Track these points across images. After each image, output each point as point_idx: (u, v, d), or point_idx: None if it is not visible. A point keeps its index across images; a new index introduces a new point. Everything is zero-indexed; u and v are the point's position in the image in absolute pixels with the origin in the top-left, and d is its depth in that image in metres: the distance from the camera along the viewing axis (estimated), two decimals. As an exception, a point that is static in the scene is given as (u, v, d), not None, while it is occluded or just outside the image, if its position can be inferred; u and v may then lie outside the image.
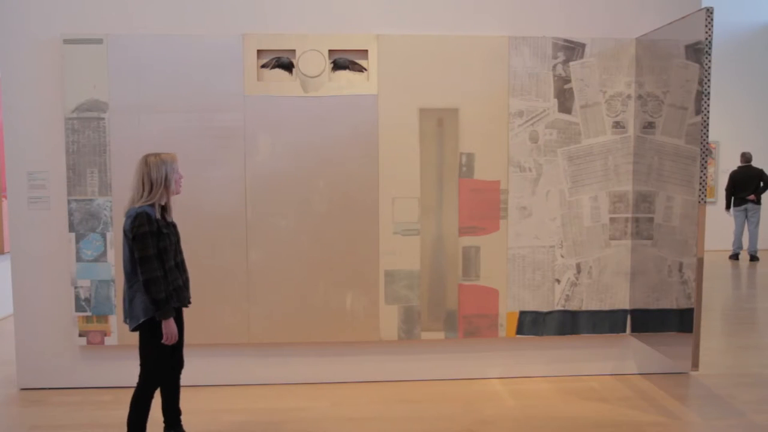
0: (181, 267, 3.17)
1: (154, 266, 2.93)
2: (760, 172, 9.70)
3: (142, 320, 2.99)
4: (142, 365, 3.10)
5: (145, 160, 3.03)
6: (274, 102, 4.12)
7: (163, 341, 3.02)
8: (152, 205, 3.00)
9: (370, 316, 4.24)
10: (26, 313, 4.20)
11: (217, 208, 4.13)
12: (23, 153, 4.13)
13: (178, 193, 3.13)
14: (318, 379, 4.35)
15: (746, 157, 9.80)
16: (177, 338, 3.06)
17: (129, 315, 3.04)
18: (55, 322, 4.17)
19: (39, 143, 4.12)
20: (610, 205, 4.32)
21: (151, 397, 3.10)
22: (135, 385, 3.06)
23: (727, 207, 9.93)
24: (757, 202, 9.75)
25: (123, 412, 3.63)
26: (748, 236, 9.96)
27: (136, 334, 3.07)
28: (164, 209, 3.09)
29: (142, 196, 2.99)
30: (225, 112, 4.10)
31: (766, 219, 10.63)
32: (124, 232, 2.99)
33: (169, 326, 3.01)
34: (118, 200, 4.08)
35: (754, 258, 9.95)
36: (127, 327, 3.08)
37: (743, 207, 9.79)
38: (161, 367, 3.10)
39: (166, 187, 3.04)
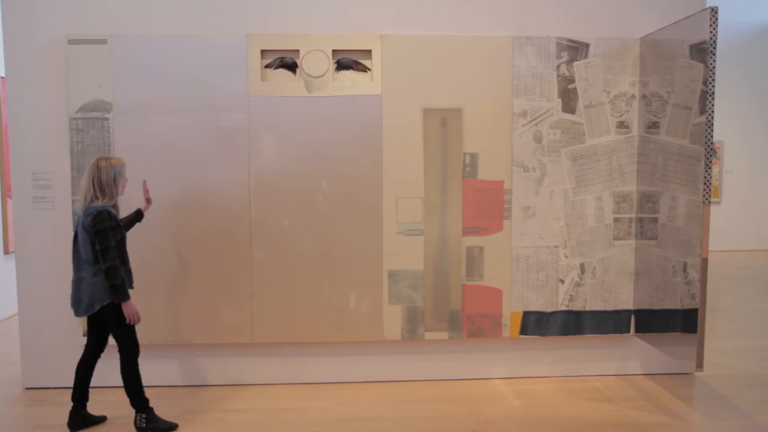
0: (127, 258, 3.50)
1: (114, 256, 3.30)
2: None
3: (106, 302, 3.33)
4: (121, 341, 3.44)
5: (96, 164, 3.35)
6: (278, 102, 4.12)
7: (128, 322, 3.39)
8: (114, 205, 3.40)
9: (374, 316, 4.24)
10: (31, 312, 4.22)
11: (221, 208, 4.14)
12: (28, 153, 4.14)
13: (121, 194, 3.47)
14: (321, 379, 4.36)
15: None
16: (140, 317, 3.40)
17: (91, 299, 3.34)
18: (59, 321, 4.18)
19: (43, 143, 4.13)
20: (614, 205, 4.31)
21: (137, 364, 3.50)
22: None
23: None
24: None
25: (128, 411, 3.65)
26: None
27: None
28: (114, 208, 3.42)
29: (97, 198, 3.33)
30: (229, 112, 4.11)
31: (759, 217, 10.59)
32: (84, 227, 3.32)
33: (130, 306, 3.36)
34: (123, 200, 4.08)
35: None
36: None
37: None
38: (135, 337, 3.48)
39: (114, 189, 3.39)
